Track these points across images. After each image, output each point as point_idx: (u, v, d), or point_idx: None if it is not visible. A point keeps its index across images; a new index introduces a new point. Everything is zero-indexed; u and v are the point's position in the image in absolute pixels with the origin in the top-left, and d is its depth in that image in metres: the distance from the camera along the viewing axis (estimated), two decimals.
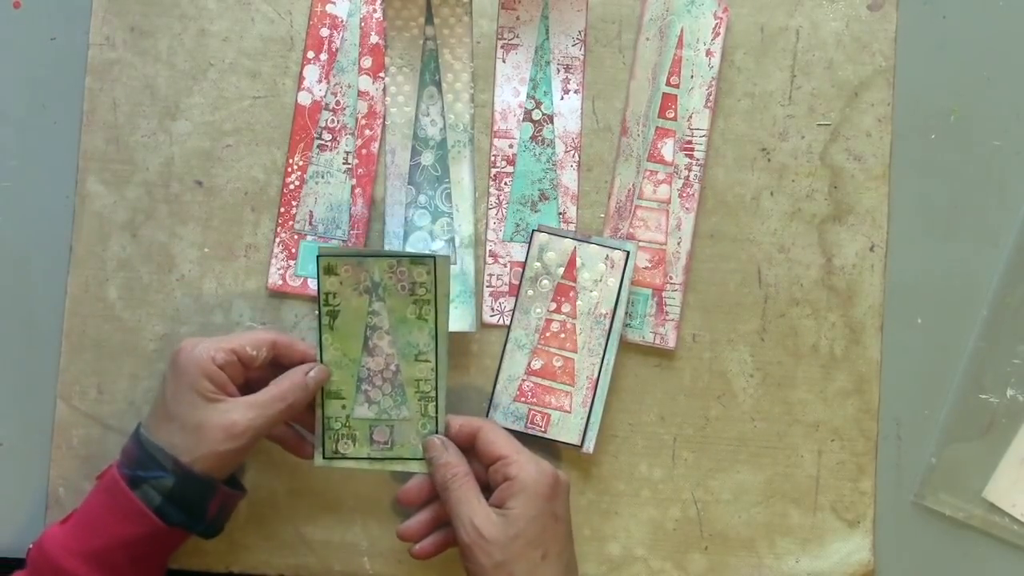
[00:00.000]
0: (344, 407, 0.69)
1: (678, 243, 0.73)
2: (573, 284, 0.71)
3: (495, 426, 0.68)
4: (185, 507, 0.63)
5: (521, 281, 0.71)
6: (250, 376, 0.67)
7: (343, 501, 0.73)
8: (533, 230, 0.71)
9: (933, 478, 0.73)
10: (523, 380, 0.71)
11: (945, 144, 0.74)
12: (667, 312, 0.73)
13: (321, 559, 0.73)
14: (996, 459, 0.72)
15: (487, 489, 0.66)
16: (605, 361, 0.71)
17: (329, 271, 0.68)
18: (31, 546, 0.64)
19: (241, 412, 0.64)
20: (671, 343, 0.73)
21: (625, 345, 0.73)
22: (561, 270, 0.71)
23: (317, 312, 0.68)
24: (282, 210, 0.74)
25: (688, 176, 0.73)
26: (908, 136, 0.74)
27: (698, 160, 0.73)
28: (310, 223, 0.73)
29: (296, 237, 0.73)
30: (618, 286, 0.71)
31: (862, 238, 0.74)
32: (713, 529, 0.73)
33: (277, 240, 0.73)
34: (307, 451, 0.70)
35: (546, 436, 0.71)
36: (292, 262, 0.73)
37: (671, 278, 0.73)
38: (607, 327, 0.70)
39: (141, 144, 0.74)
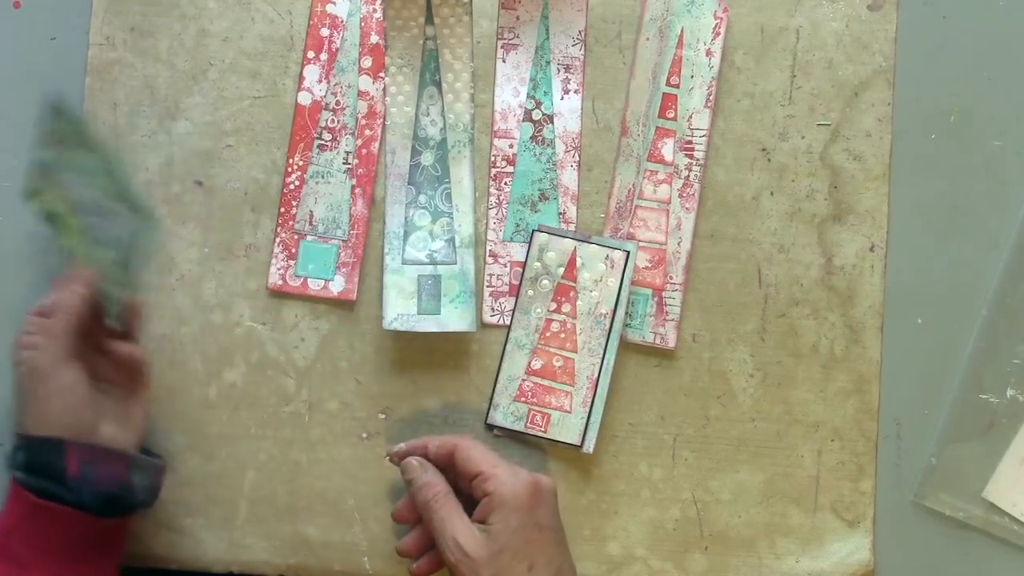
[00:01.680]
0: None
1: (678, 243, 0.73)
2: (573, 284, 0.71)
3: (471, 442, 0.67)
4: (41, 471, 0.62)
5: (521, 281, 0.71)
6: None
7: (343, 501, 0.73)
8: (533, 230, 0.71)
9: (933, 478, 0.73)
10: (523, 380, 0.71)
11: (945, 144, 0.74)
12: (667, 312, 0.73)
13: (321, 559, 0.73)
14: (996, 459, 0.72)
15: (474, 504, 0.66)
16: (605, 361, 0.71)
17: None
18: None
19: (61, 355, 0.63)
20: (671, 343, 0.73)
21: (625, 345, 0.73)
22: (561, 270, 0.71)
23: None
24: (282, 210, 0.74)
25: (688, 176, 0.73)
26: (908, 136, 0.74)
27: (698, 160, 0.73)
28: (310, 223, 0.73)
29: (296, 237, 0.73)
30: (618, 286, 0.71)
31: (862, 238, 0.74)
32: (713, 529, 0.73)
33: (277, 240, 0.73)
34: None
35: (546, 436, 0.71)
36: (292, 262, 0.73)
37: (671, 278, 0.73)
38: (607, 327, 0.70)
39: (141, 144, 0.74)
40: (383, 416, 0.73)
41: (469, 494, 0.66)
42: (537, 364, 0.71)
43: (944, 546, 0.73)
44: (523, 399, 0.71)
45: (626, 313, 0.71)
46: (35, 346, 0.64)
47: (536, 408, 0.71)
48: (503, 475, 0.65)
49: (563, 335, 0.71)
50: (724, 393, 0.73)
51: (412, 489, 0.67)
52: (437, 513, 0.65)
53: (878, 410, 0.73)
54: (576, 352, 0.71)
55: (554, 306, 0.71)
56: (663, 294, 0.73)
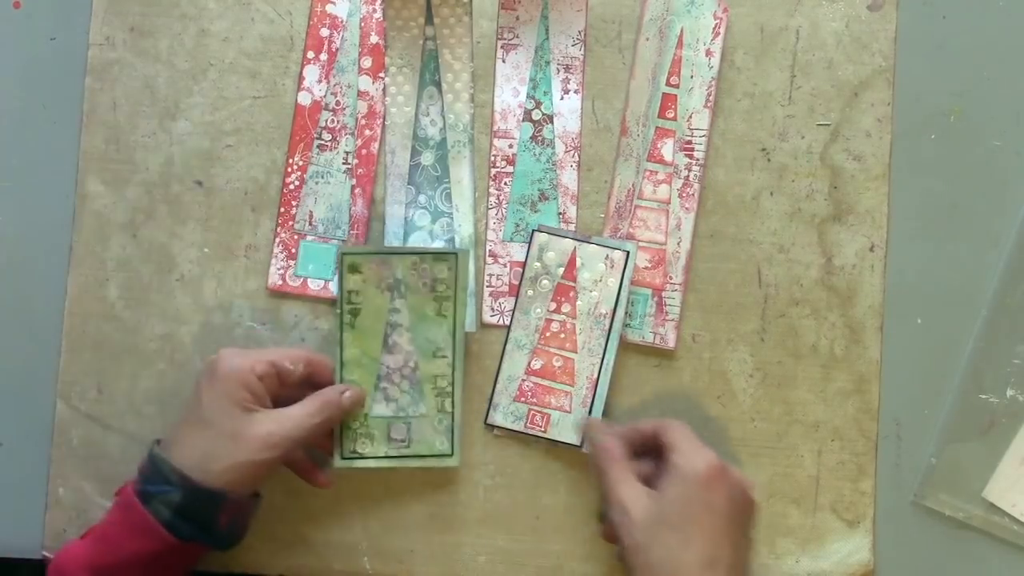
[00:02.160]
0: (362, 405, 0.69)
1: (678, 243, 0.73)
2: (573, 284, 0.71)
3: (681, 424, 0.66)
4: (195, 520, 0.63)
5: (521, 281, 0.71)
6: (282, 392, 0.67)
7: (343, 501, 0.73)
8: (533, 230, 0.71)
9: (933, 478, 0.73)
10: (523, 380, 0.71)
11: (945, 144, 0.74)
12: (667, 312, 0.73)
13: (321, 559, 0.73)
14: (996, 459, 0.72)
15: None
16: (605, 361, 0.71)
17: (353, 269, 0.69)
18: (50, 561, 0.64)
19: (278, 423, 0.64)
20: (671, 343, 0.73)
21: (625, 345, 0.73)
22: (561, 270, 0.71)
23: (338, 311, 0.69)
24: (282, 210, 0.74)
25: (688, 176, 0.73)
26: (908, 136, 0.74)
27: (698, 160, 0.73)
28: (310, 223, 0.73)
29: (296, 237, 0.73)
30: (618, 286, 0.71)
31: (862, 238, 0.74)
32: None
33: (277, 240, 0.73)
34: (320, 479, 0.70)
35: (546, 436, 0.71)
36: (292, 262, 0.73)
37: (671, 278, 0.73)
38: (607, 327, 0.70)
39: (141, 144, 0.74)
40: None
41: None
42: (537, 364, 0.71)
43: (944, 546, 0.73)
44: (523, 399, 0.71)
45: (626, 313, 0.71)
46: (239, 400, 0.64)
47: (536, 408, 0.71)
48: (690, 450, 0.64)
49: (563, 335, 0.71)
50: (724, 393, 0.73)
51: (591, 450, 0.68)
52: (608, 474, 0.65)
53: (878, 410, 0.73)
54: (576, 352, 0.71)
55: (554, 306, 0.71)
56: (663, 294, 0.73)
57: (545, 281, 0.71)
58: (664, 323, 0.73)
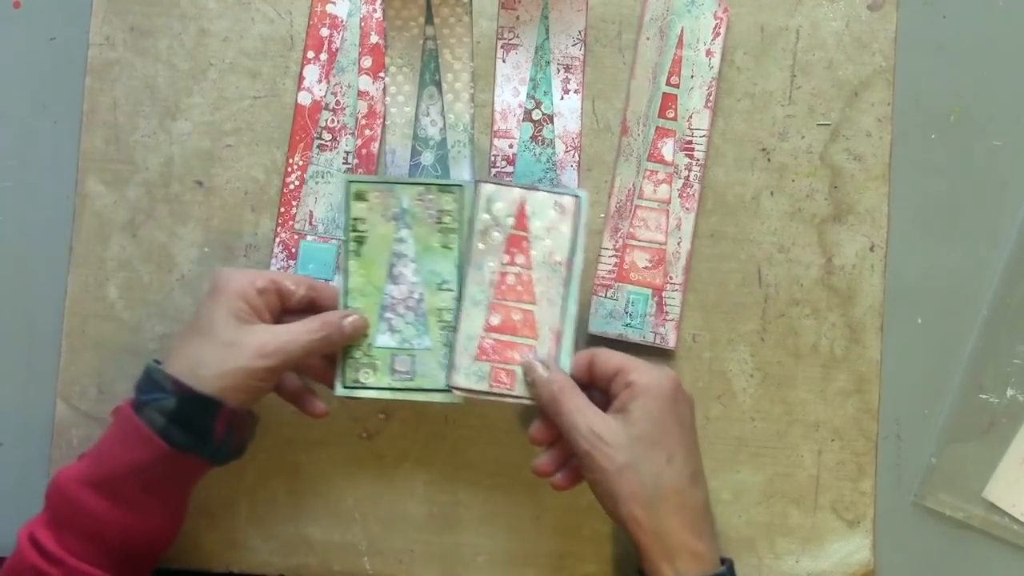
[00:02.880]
0: (366, 335, 0.69)
1: (678, 243, 0.73)
2: (525, 234, 0.69)
3: (608, 349, 0.66)
4: (189, 427, 0.62)
5: (470, 235, 0.69)
6: (286, 312, 0.67)
7: (343, 501, 0.73)
8: (476, 181, 0.69)
9: (933, 478, 0.73)
10: (483, 338, 0.68)
11: (945, 144, 0.74)
12: (667, 312, 0.73)
13: (321, 559, 0.73)
14: (996, 459, 0.72)
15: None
16: (567, 310, 0.68)
17: (359, 197, 0.69)
18: (48, 486, 0.64)
19: (273, 334, 0.64)
20: (671, 343, 0.73)
21: (625, 345, 0.73)
22: (511, 220, 0.69)
23: (343, 239, 0.69)
24: (282, 210, 0.74)
25: (688, 176, 0.73)
26: (908, 136, 0.74)
27: (698, 160, 0.73)
28: (310, 223, 0.73)
29: (296, 237, 0.73)
30: (572, 232, 0.69)
31: (862, 238, 0.74)
32: None
33: (277, 240, 0.73)
34: (317, 407, 0.69)
35: (512, 393, 0.68)
36: (292, 262, 0.73)
37: (671, 278, 0.73)
38: (564, 275, 0.69)
39: (141, 144, 0.74)
40: (383, 416, 0.73)
41: (605, 404, 0.65)
42: (495, 320, 0.69)
43: (944, 546, 0.73)
44: (484, 357, 0.68)
45: (580, 266, 0.69)
46: (235, 311, 0.64)
47: (499, 366, 0.68)
48: (645, 367, 0.64)
49: (519, 287, 0.69)
50: (724, 393, 0.73)
51: (535, 388, 0.66)
52: (565, 404, 0.64)
53: (878, 410, 0.73)
54: (535, 304, 0.68)
55: (507, 258, 0.69)
56: (663, 294, 0.73)
57: (496, 233, 0.69)
58: (664, 323, 0.73)
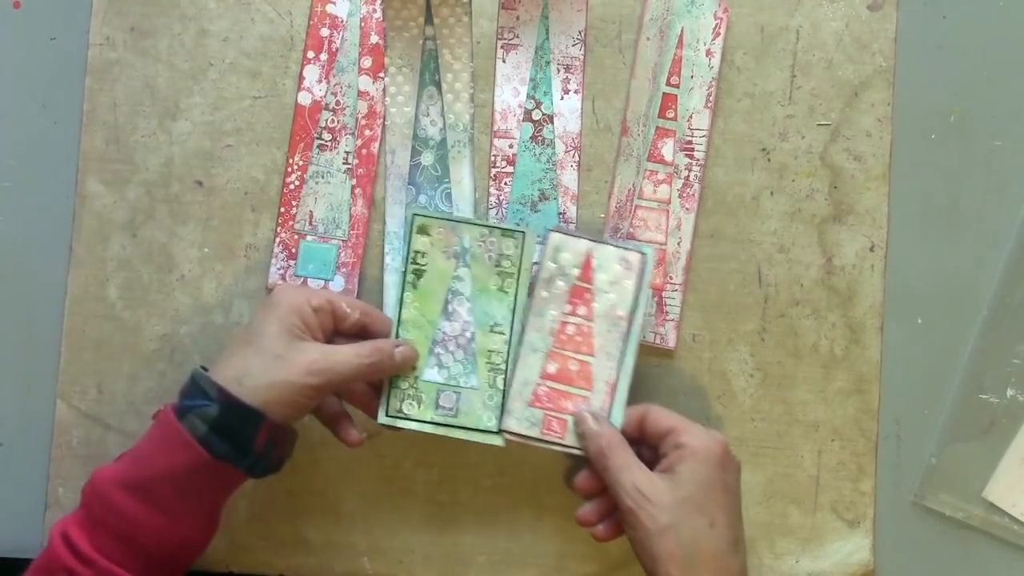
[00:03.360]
0: (414, 367, 0.69)
1: (678, 243, 0.73)
2: (589, 286, 0.69)
3: (660, 407, 0.67)
4: (230, 437, 0.62)
5: (535, 282, 0.70)
6: (338, 334, 0.67)
7: (343, 501, 0.73)
8: (548, 230, 0.70)
9: (933, 478, 0.73)
10: (538, 384, 0.69)
11: (945, 144, 0.74)
12: (667, 312, 0.73)
13: (321, 559, 0.73)
14: (996, 459, 0.72)
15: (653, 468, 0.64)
16: (624, 364, 0.69)
17: (422, 231, 0.69)
18: (85, 484, 0.63)
19: (323, 354, 0.64)
20: (671, 343, 0.73)
21: None
22: (576, 271, 0.69)
23: (403, 270, 0.69)
24: (282, 210, 0.74)
25: (688, 176, 0.73)
26: (908, 136, 0.74)
27: (698, 160, 0.73)
28: (310, 223, 0.73)
29: (296, 237, 0.73)
30: (634, 288, 0.69)
31: (862, 238, 0.74)
32: None
33: (277, 240, 0.73)
34: (352, 436, 0.68)
35: (564, 443, 0.68)
36: (292, 262, 0.73)
37: (671, 278, 0.73)
38: (625, 329, 0.69)
39: (141, 144, 0.74)
40: None
41: (653, 460, 0.65)
42: (552, 368, 0.69)
43: (944, 546, 0.73)
44: (538, 404, 0.69)
45: (646, 315, 0.70)
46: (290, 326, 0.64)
47: (552, 414, 0.69)
48: (697, 430, 0.64)
49: (579, 338, 0.69)
50: (724, 393, 0.73)
51: (584, 441, 0.66)
52: (613, 460, 0.64)
53: (878, 410, 0.73)
54: (593, 356, 0.69)
55: (569, 308, 0.69)
56: (663, 294, 0.73)
57: (560, 283, 0.69)
58: (664, 323, 0.73)
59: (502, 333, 0.69)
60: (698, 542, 0.61)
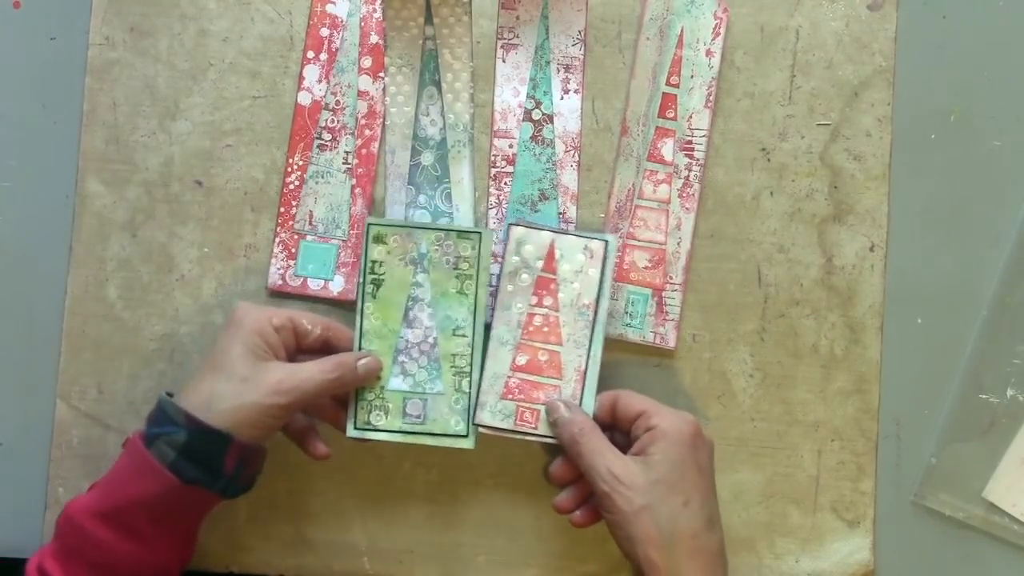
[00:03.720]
0: (379, 378, 0.69)
1: (678, 243, 0.73)
2: (553, 276, 0.70)
3: (631, 392, 0.68)
4: (200, 462, 0.62)
5: (500, 276, 0.71)
6: (300, 351, 0.68)
7: (343, 501, 0.73)
8: (509, 224, 0.71)
9: (933, 478, 0.73)
10: (509, 377, 0.70)
11: (945, 144, 0.74)
12: (667, 312, 0.73)
13: (321, 559, 0.73)
14: (996, 459, 0.72)
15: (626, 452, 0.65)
16: (592, 353, 0.70)
17: (378, 240, 0.69)
18: (58, 516, 0.64)
19: (288, 373, 0.64)
20: (671, 343, 0.73)
21: (625, 345, 0.73)
22: (540, 263, 0.70)
23: (360, 281, 0.69)
24: (282, 210, 0.74)
25: (688, 176, 0.73)
26: (908, 136, 0.74)
27: (698, 160, 0.73)
28: (310, 223, 0.73)
29: (296, 237, 0.73)
30: (599, 276, 0.70)
31: (862, 238, 0.74)
32: None
33: (277, 240, 0.73)
34: (319, 449, 0.69)
35: (538, 432, 0.69)
36: (292, 262, 0.73)
37: (671, 278, 0.73)
38: (591, 318, 0.70)
39: (141, 144, 0.74)
40: None
41: (626, 444, 0.66)
42: (522, 360, 0.70)
43: (944, 546, 0.73)
44: (510, 396, 0.70)
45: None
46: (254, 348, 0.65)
47: (525, 405, 0.70)
48: (667, 412, 0.65)
49: (546, 328, 0.70)
50: (724, 393, 0.73)
51: (558, 429, 0.67)
52: (586, 445, 0.65)
53: (878, 410, 0.73)
54: (561, 345, 0.70)
55: (535, 299, 0.70)
56: (663, 294, 0.73)
57: (525, 275, 0.70)
58: (664, 323, 0.73)
59: (464, 336, 0.69)
60: (674, 521, 0.62)
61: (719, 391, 0.73)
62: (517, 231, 0.70)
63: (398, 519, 0.73)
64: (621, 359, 0.73)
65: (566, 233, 0.70)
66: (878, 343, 0.73)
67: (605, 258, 0.70)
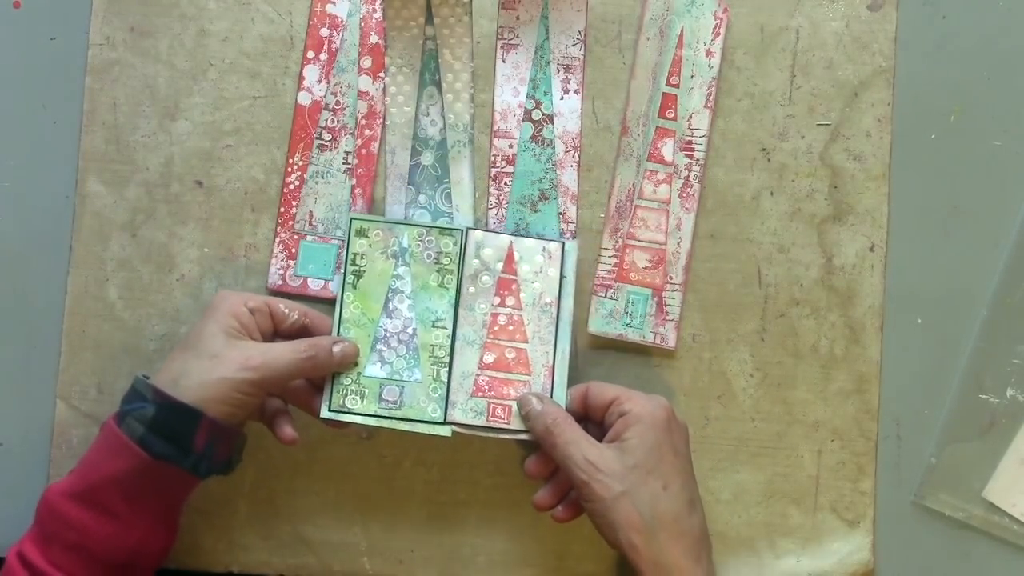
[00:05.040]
0: (356, 364, 0.69)
1: (678, 243, 0.73)
2: (514, 277, 0.71)
3: (601, 382, 0.68)
4: (169, 437, 0.62)
5: (460, 279, 0.71)
6: (279, 335, 0.68)
7: (343, 501, 0.73)
8: (466, 228, 0.71)
9: (933, 478, 0.73)
10: (478, 375, 0.70)
11: (945, 144, 0.74)
12: (667, 312, 0.73)
13: (321, 559, 0.73)
14: (996, 459, 0.72)
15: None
16: (559, 348, 0.70)
17: (360, 233, 0.70)
18: (38, 502, 0.64)
19: (259, 350, 0.64)
20: (671, 343, 0.73)
21: (625, 345, 0.73)
22: (500, 265, 0.71)
23: (341, 272, 0.70)
24: (282, 210, 0.74)
25: (688, 176, 0.73)
26: (908, 136, 0.74)
27: (698, 160, 0.73)
28: (310, 223, 0.73)
29: (296, 237, 0.73)
30: (559, 275, 0.70)
31: (862, 238, 0.74)
32: (713, 529, 0.72)
33: (277, 240, 0.73)
34: (287, 433, 0.68)
35: (510, 427, 0.69)
36: (292, 262, 0.73)
37: (671, 278, 0.73)
38: (554, 315, 0.70)
39: (141, 144, 0.74)
40: None
41: (600, 436, 0.66)
42: (489, 358, 0.70)
43: (944, 546, 0.73)
44: (480, 394, 0.70)
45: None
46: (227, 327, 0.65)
47: (495, 401, 0.70)
48: (639, 397, 0.65)
49: (511, 327, 0.70)
50: (724, 393, 0.73)
51: (531, 422, 0.67)
52: (560, 436, 0.65)
53: (878, 410, 0.73)
54: (527, 342, 0.70)
55: (498, 300, 0.71)
56: (663, 294, 0.73)
57: (485, 277, 0.71)
58: (664, 323, 0.73)
59: (444, 327, 0.70)
60: (654, 505, 0.62)
61: (719, 391, 0.73)
62: (475, 235, 0.71)
63: (398, 519, 0.73)
64: (621, 359, 0.73)
65: (524, 236, 0.71)
66: (878, 343, 0.73)
67: (563, 258, 0.70)
